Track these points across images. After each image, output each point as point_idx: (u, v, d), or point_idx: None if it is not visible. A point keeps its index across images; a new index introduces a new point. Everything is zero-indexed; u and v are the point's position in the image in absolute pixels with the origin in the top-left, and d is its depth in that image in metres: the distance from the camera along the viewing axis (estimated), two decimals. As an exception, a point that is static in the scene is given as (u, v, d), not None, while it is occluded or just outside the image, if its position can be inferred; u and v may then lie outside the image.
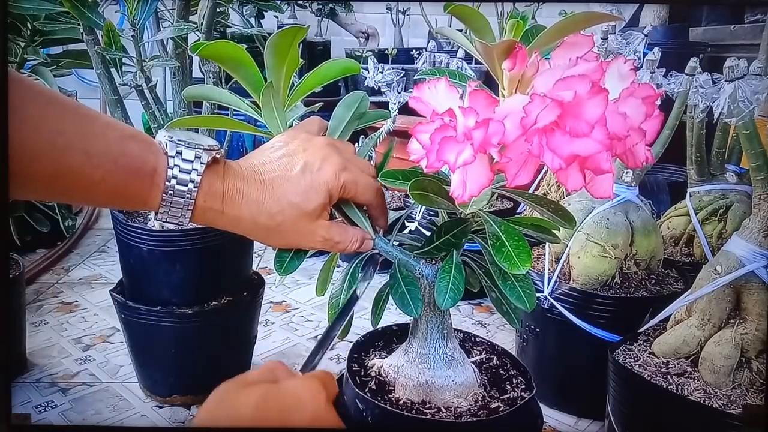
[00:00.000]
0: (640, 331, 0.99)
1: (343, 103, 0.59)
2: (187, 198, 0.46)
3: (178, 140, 0.46)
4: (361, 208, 0.56)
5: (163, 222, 0.47)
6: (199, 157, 0.46)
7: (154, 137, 0.48)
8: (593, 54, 0.37)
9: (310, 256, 0.58)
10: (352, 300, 0.58)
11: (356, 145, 0.63)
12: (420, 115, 0.48)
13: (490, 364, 0.73)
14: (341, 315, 0.58)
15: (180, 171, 0.45)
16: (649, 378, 0.88)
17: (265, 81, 0.56)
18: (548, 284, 1.16)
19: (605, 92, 0.34)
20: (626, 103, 0.36)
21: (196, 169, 0.46)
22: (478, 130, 0.35)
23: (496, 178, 0.50)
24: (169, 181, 0.45)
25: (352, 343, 0.75)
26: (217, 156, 0.47)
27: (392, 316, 0.80)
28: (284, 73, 0.55)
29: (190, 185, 0.46)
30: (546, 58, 0.40)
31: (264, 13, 1.87)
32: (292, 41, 0.53)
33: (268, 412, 0.41)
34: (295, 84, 0.60)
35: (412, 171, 0.54)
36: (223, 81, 1.21)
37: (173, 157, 0.46)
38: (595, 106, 0.33)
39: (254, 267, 1.36)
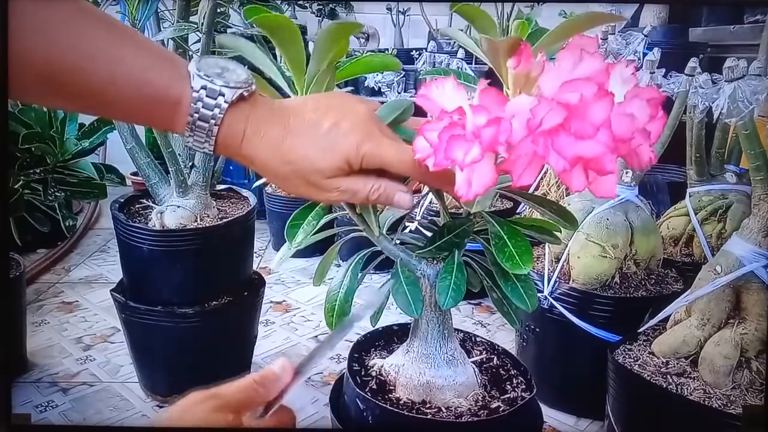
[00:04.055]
0: (639, 331, 0.99)
1: (388, 105, 0.58)
2: (209, 133, 0.46)
3: (206, 74, 0.46)
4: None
5: (190, 146, 0.47)
6: (224, 95, 0.46)
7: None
8: (598, 55, 0.38)
9: (309, 256, 0.58)
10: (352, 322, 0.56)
11: None
12: (422, 114, 0.48)
13: (491, 364, 0.73)
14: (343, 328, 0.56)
15: (203, 107, 0.46)
16: (648, 378, 0.88)
17: (307, 62, 0.56)
18: (548, 284, 1.16)
19: (611, 95, 0.34)
20: (631, 105, 0.36)
21: (220, 106, 0.46)
22: (488, 128, 0.36)
23: (500, 179, 0.50)
24: (192, 115, 0.46)
25: (352, 343, 0.75)
26: (245, 93, 0.47)
27: (392, 316, 0.80)
28: (330, 58, 0.55)
29: (212, 122, 0.46)
30: (550, 59, 0.40)
31: (264, 13, 1.87)
32: (346, 32, 0.53)
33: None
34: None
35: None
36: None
37: (198, 91, 0.45)
38: (601, 109, 0.33)
39: (254, 267, 1.36)
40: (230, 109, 0.46)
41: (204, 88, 0.45)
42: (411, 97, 0.52)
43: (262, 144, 0.47)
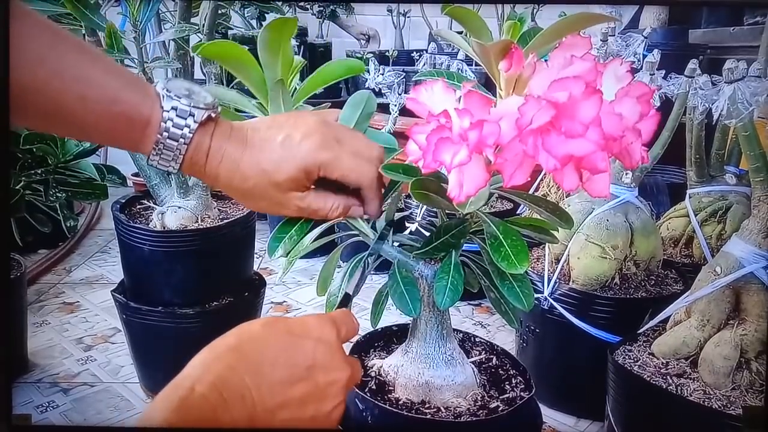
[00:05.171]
0: (639, 331, 0.99)
1: (349, 104, 0.58)
2: (176, 152, 0.47)
3: (175, 95, 0.47)
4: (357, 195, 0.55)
5: (155, 166, 0.48)
6: (193, 115, 0.47)
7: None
8: (590, 56, 0.38)
9: (311, 257, 0.58)
10: (345, 299, 0.58)
11: None
12: (418, 116, 0.48)
13: (490, 364, 0.73)
14: None
15: (173, 126, 0.46)
16: (648, 379, 0.88)
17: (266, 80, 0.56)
18: (548, 285, 1.16)
19: (599, 93, 0.34)
20: (622, 103, 0.36)
21: (189, 126, 0.47)
22: (473, 131, 0.36)
23: (495, 179, 0.50)
24: (161, 134, 0.46)
25: (352, 344, 0.75)
26: (213, 114, 0.48)
27: (392, 316, 0.80)
28: (280, 67, 0.55)
29: (181, 141, 0.47)
30: (544, 60, 0.40)
31: (265, 15, 1.87)
32: (281, 35, 0.53)
33: (275, 330, 0.44)
34: (298, 85, 0.61)
35: (413, 166, 0.54)
36: (224, 82, 1.22)
37: (168, 111, 0.46)
38: (590, 107, 0.34)
39: (255, 268, 1.36)
40: (198, 129, 0.47)
41: (174, 108, 0.46)
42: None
43: (224, 161, 0.49)
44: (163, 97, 0.47)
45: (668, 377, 0.89)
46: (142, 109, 0.46)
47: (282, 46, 0.54)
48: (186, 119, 0.46)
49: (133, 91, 0.46)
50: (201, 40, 1.18)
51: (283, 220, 0.57)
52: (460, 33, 0.73)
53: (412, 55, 2.35)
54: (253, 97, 0.59)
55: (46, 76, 0.42)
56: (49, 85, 0.42)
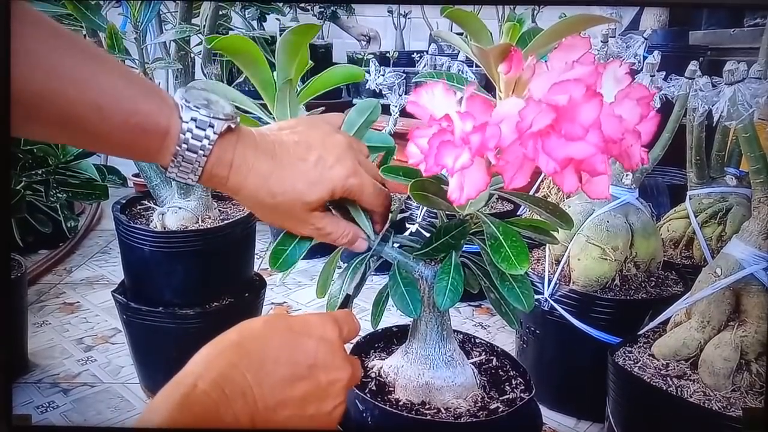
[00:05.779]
0: (639, 333, 0.99)
1: (356, 108, 0.59)
2: (196, 165, 0.46)
3: (195, 106, 0.46)
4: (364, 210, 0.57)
5: (172, 178, 0.47)
6: (213, 126, 0.46)
7: None
8: (590, 56, 0.38)
9: (311, 257, 0.58)
10: (346, 301, 0.58)
11: None
12: (418, 118, 0.48)
13: (490, 365, 0.73)
14: None
15: (192, 137, 0.45)
16: (648, 380, 0.88)
17: (274, 80, 0.56)
18: (548, 286, 1.16)
19: (600, 96, 0.34)
20: (621, 106, 0.36)
21: (209, 137, 0.46)
22: (475, 134, 0.36)
23: (495, 180, 0.50)
24: (180, 146, 0.45)
25: (352, 345, 0.75)
26: (232, 126, 0.47)
27: (392, 317, 0.80)
28: (294, 70, 0.55)
29: (200, 153, 0.46)
30: (543, 60, 0.40)
31: (266, 15, 1.87)
32: (304, 39, 0.53)
33: (277, 328, 0.44)
34: (299, 87, 0.61)
35: (413, 168, 0.54)
36: (225, 83, 1.22)
37: (187, 122, 0.45)
38: (590, 110, 0.34)
39: (255, 268, 1.36)
40: (218, 140, 0.46)
41: (194, 119, 0.45)
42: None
43: (251, 175, 0.48)
44: (182, 107, 0.45)
45: (668, 379, 0.88)
46: (159, 119, 0.45)
47: (301, 50, 0.54)
48: (205, 130, 0.45)
49: (151, 101, 0.44)
50: (201, 41, 1.18)
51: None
52: (460, 35, 0.73)
53: (413, 56, 2.35)
54: (257, 97, 0.59)
55: (61, 83, 0.41)
56: (63, 93, 0.41)
